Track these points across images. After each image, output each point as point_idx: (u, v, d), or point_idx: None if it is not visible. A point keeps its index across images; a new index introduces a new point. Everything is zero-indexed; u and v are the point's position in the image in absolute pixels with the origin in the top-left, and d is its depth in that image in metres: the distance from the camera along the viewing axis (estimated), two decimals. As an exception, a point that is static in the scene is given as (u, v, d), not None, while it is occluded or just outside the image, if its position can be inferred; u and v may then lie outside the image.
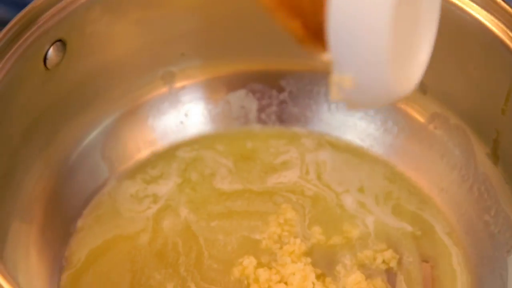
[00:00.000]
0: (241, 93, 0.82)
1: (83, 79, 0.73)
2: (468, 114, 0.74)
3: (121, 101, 0.78)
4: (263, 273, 0.69)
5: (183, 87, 0.81)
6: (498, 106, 0.69)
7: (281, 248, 0.72)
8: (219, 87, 0.82)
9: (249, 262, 0.70)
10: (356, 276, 0.69)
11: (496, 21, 0.67)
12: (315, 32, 0.50)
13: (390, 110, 0.79)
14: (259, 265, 0.70)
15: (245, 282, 0.69)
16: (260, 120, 0.82)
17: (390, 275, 0.70)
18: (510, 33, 0.67)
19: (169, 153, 0.79)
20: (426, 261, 0.71)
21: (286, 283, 0.68)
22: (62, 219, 0.73)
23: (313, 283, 0.68)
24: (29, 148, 0.69)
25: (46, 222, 0.70)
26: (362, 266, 0.71)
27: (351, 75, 0.48)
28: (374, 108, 0.78)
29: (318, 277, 0.69)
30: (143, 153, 0.79)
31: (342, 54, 0.48)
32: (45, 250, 0.69)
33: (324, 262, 0.71)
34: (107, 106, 0.77)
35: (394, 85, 0.49)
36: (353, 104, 0.53)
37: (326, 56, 0.49)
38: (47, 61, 0.68)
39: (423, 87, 0.75)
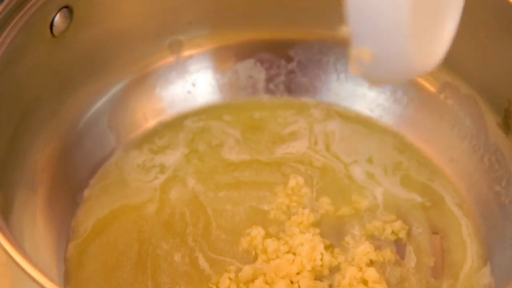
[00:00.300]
0: (249, 62, 0.81)
1: (90, 47, 0.73)
2: (479, 84, 0.73)
3: (128, 70, 0.78)
4: (271, 244, 0.68)
5: (190, 56, 0.81)
6: (510, 75, 0.68)
7: (289, 218, 0.71)
8: (227, 56, 0.81)
9: (257, 232, 0.69)
10: (365, 247, 0.68)
11: (508, -12, 0.66)
12: None
13: (400, 80, 0.78)
14: (267, 235, 0.70)
15: (253, 252, 0.69)
16: (268, 90, 0.82)
17: (399, 246, 0.70)
18: (522, 0, 0.66)
19: (177, 123, 0.79)
20: (436, 233, 0.71)
21: (294, 254, 0.68)
22: (68, 189, 0.72)
23: (322, 254, 0.67)
24: (35, 117, 0.69)
25: (53, 192, 0.70)
26: (371, 237, 0.70)
27: (370, 48, 0.48)
28: (394, 83, 0.77)
29: (326, 247, 0.69)
30: (150, 123, 0.79)
31: (361, 27, 0.47)
32: (51, 219, 0.69)
33: (333, 233, 0.71)
34: (114, 75, 0.77)
35: (414, 60, 0.49)
36: (373, 79, 0.53)
37: (345, 29, 0.48)
38: (54, 28, 0.67)
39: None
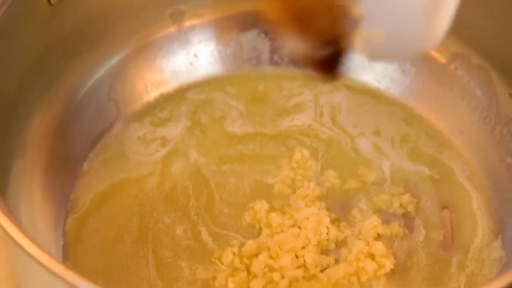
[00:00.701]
0: (253, 33, 0.80)
1: (89, 16, 0.71)
2: (490, 53, 0.72)
3: (128, 40, 0.76)
4: (275, 218, 0.67)
5: (192, 27, 0.79)
6: (523, 44, 0.67)
7: (294, 192, 0.70)
8: (230, 27, 0.80)
9: (261, 206, 0.68)
10: (372, 221, 0.67)
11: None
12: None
13: (409, 50, 0.77)
14: (272, 209, 0.68)
15: (257, 226, 0.67)
16: (272, 62, 0.80)
17: (407, 219, 0.69)
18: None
19: (178, 95, 0.78)
20: (446, 207, 0.69)
21: (299, 228, 0.66)
22: (67, 162, 0.71)
23: (328, 228, 0.66)
24: (33, 87, 0.67)
25: (51, 165, 0.69)
26: (378, 211, 0.69)
27: (383, 28, 0.47)
28: (398, 60, 0.76)
29: (332, 221, 0.67)
30: (151, 95, 0.77)
31: (376, 7, 0.46)
32: (49, 192, 0.67)
33: (339, 207, 0.69)
34: (114, 45, 0.75)
35: (424, 38, 0.48)
36: (377, 56, 0.52)
37: (357, 9, 0.47)
38: (50, -4, 0.66)
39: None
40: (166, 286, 0.64)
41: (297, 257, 0.64)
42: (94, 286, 0.48)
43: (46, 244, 0.63)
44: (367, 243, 0.66)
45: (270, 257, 0.64)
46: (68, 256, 0.65)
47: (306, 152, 0.72)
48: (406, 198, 0.69)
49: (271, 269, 0.64)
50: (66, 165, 0.70)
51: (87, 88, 0.74)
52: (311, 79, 0.78)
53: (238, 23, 0.80)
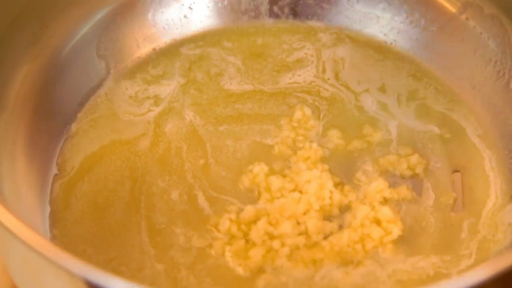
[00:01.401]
0: (251, -18, 0.78)
1: (74, -36, 0.69)
2: (504, 2, 0.69)
3: (117, -9, 0.74)
4: (275, 181, 0.64)
5: (186, -24, 0.77)
6: (541, -9, 0.65)
7: (295, 153, 0.67)
8: (227, -25, 0.77)
9: (260, 169, 0.65)
10: (378, 184, 0.64)
11: None
12: None
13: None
14: (271, 172, 0.65)
15: (256, 191, 0.65)
16: (272, 14, 0.77)
17: (415, 182, 0.66)
18: None
19: (172, 51, 0.75)
20: (457, 170, 0.66)
21: (300, 192, 0.64)
22: (53, 123, 0.68)
23: (331, 192, 0.63)
24: (15, 42, 0.65)
25: (35, 125, 0.66)
26: (384, 173, 0.66)
27: None
28: None
29: (336, 185, 0.65)
30: (143, 50, 0.75)
31: None
32: (34, 156, 0.65)
33: (343, 169, 0.67)
34: (102, -3, 0.73)
35: None
36: None
37: None
38: None
39: (454, -28, 0.72)
40: (159, 254, 0.61)
41: (298, 223, 0.62)
42: (77, 261, 0.45)
43: (31, 212, 0.61)
44: (373, 208, 0.63)
45: (270, 223, 0.62)
46: (55, 224, 0.63)
47: (307, 111, 0.70)
48: (414, 159, 0.67)
49: (271, 237, 0.61)
50: (52, 126, 0.68)
51: (73, 43, 0.71)
52: (313, 32, 0.76)
53: (235, -29, 0.78)
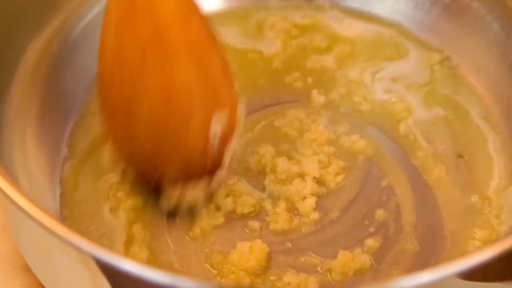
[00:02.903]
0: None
1: None
2: None
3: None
4: (281, 163, 0.64)
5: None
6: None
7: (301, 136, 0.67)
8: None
9: (266, 150, 0.65)
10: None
11: None
12: None
13: (422, -18, 0.74)
14: (278, 154, 0.65)
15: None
16: None
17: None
18: None
19: None
20: (461, 155, 0.66)
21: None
22: (63, 106, 0.68)
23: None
24: (25, 25, 0.65)
25: (46, 109, 0.66)
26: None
27: None
28: None
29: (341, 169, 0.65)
30: None
31: None
32: (45, 137, 0.65)
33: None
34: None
35: None
36: None
37: None
38: None
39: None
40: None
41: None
42: (86, 241, 0.45)
43: (43, 194, 0.61)
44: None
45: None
46: (65, 204, 0.62)
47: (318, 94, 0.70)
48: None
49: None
50: (62, 109, 0.68)
51: (82, 26, 0.71)
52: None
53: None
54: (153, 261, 0.59)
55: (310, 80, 0.71)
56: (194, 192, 0.59)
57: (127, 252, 0.59)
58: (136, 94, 0.55)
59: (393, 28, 0.75)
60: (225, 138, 0.58)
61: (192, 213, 0.61)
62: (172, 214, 0.61)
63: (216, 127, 0.56)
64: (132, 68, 0.54)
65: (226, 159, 0.58)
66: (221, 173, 0.59)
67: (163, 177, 0.59)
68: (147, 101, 0.55)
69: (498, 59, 0.69)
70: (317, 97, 0.69)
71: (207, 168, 0.58)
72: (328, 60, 0.72)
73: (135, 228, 0.60)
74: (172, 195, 0.59)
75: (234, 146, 0.59)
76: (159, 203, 0.60)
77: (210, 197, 0.61)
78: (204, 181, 0.59)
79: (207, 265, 0.59)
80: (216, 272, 0.58)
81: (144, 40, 0.53)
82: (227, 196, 0.62)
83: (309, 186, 0.62)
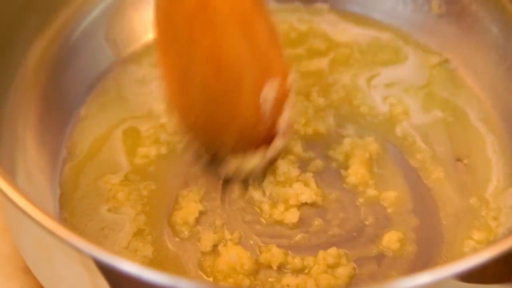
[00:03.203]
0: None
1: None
2: None
3: (126, -23, 0.73)
4: (281, 165, 0.64)
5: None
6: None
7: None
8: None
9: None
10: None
11: None
12: None
13: (421, -15, 0.74)
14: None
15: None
16: None
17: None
18: None
19: None
20: (459, 159, 0.66)
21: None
22: (63, 107, 0.68)
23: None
24: (25, 27, 0.65)
25: (45, 110, 0.66)
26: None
27: None
28: None
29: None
30: (151, 35, 0.71)
31: None
32: (44, 139, 0.65)
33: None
34: (111, -18, 0.73)
35: None
36: None
37: None
38: None
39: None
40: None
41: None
42: (86, 242, 0.45)
43: (43, 195, 0.62)
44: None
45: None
46: (65, 206, 0.63)
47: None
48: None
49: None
50: (62, 110, 0.68)
51: (82, 28, 0.71)
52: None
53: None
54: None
55: (308, 82, 0.71)
56: (253, 161, 0.60)
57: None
58: (188, 63, 0.56)
59: (392, 31, 0.75)
60: (278, 106, 0.58)
61: (245, 182, 0.62)
62: (227, 181, 0.63)
63: (268, 95, 0.57)
64: (182, 37, 0.55)
65: (281, 128, 0.59)
66: (278, 142, 0.60)
67: (223, 146, 0.59)
68: (199, 69, 0.56)
69: (496, 62, 0.69)
70: (317, 99, 0.69)
71: (263, 137, 0.59)
72: (325, 64, 0.72)
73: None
74: (232, 164, 0.60)
75: (288, 114, 0.59)
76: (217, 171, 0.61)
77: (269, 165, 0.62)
78: (262, 150, 0.60)
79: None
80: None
81: (191, 8, 0.53)
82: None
83: (308, 188, 0.62)
